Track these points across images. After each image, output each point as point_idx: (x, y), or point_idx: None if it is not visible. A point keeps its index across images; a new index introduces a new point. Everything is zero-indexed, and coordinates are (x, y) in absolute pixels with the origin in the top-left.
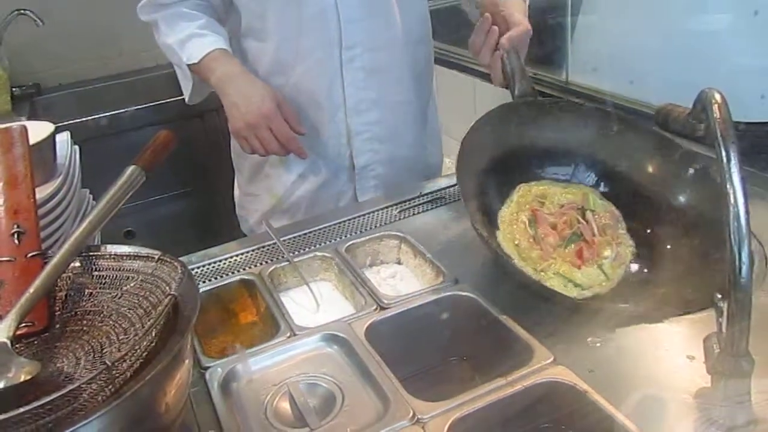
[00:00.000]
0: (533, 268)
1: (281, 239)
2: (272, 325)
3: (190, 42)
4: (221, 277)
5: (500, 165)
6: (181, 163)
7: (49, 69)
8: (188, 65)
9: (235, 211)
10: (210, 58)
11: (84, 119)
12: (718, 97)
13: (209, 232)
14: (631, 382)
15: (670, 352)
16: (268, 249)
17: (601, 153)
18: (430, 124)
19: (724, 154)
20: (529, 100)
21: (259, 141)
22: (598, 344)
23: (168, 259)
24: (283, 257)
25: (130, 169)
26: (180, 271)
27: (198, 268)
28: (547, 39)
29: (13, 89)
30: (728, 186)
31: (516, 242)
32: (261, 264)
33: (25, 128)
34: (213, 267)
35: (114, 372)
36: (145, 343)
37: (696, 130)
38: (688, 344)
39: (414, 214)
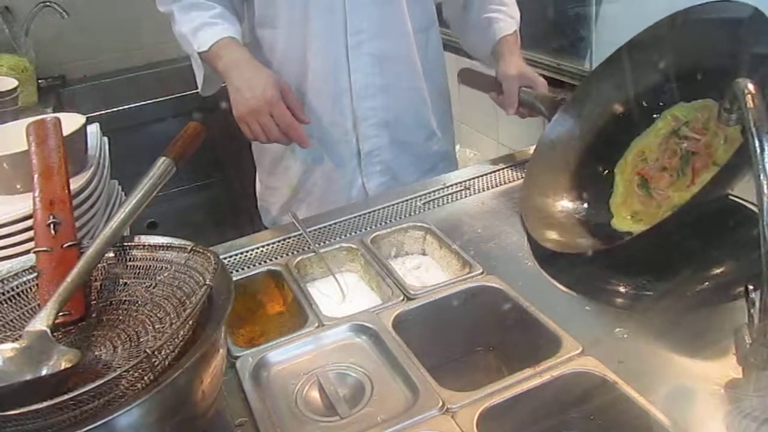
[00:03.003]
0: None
1: (307, 230)
2: (300, 315)
3: (202, 30)
4: (248, 267)
5: (586, 164)
6: (204, 154)
7: (74, 61)
8: (199, 53)
9: (255, 202)
10: (219, 45)
11: (108, 111)
12: (751, 87)
13: (231, 223)
14: (660, 373)
15: (698, 343)
16: (293, 240)
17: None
18: (439, 112)
19: (757, 144)
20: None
21: (261, 127)
22: (626, 335)
23: (201, 250)
24: (309, 248)
25: (161, 160)
26: (213, 262)
27: (225, 258)
28: (571, 29)
29: (39, 81)
30: (762, 177)
31: (632, 215)
32: (287, 255)
33: (58, 120)
34: (239, 258)
35: (154, 360)
36: (182, 333)
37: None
38: (716, 335)
39: (438, 206)
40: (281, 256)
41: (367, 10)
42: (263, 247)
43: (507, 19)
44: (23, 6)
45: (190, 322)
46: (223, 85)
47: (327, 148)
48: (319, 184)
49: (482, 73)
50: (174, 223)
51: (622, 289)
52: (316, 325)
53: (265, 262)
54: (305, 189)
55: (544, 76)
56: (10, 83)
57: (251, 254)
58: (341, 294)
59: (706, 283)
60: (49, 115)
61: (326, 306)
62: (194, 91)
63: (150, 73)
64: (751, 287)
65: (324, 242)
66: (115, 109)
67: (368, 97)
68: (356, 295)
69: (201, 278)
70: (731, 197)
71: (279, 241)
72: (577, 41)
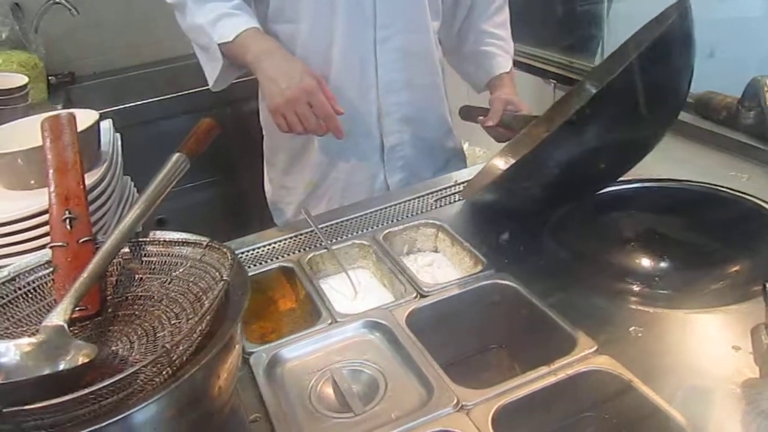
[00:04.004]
0: None
1: (319, 227)
2: (312, 311)
3: (222, 21)
4: (260, 264)
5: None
6: (213, 152)
7: (84, 58)
8: (220, 44)
9: (264, 200)
10: (245, 35)
11: (117, 108)
12: None
13: (240, 220)
14: (676, 372)
15: (714, 342)
16: (305, 237)
17: None
18: (448, 109)
19: None
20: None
21: (298, 117)
22: (640, 334)
23: (216, 246)
24: (321, 245)
25: (175, 156)
26: (230, 258)
27: (236, 255)
28: (582, 26)
29: (49, 78)
30: None
31: None
32: (299, 251)
33: (73, 116)
34: (252, 254)
35: (173, 355)
36: (200, 328)
37: (745, 119)
38: (732, 334)
39: (450, 203)
40: (293, 253)
41: (395, 4)
42: (275, 243)
43: (504, 56)
44: (33, 3)
45: (208, 317)
46: (240, 80)
47: (350, 142)
48: (341, 179)
49: (479, 107)
50: (183, 219)
51: (636, 288)
52: (329, 321)
53: (277, 258)
54: (326, 184)
55: (556, 74)
56: (21, 80)
57: (263, 250)
58: (353, 291)
59: (723, 282)
60: (64, 111)
61: (339, 302)
62: (204, 88)
63: (159, 70)
64: None
65: (336, 239)
66: (124, 106)
67: (393, 92)
68: (368, 292)
69: (217, 274)
70: (748, 197)
71: (291, 238)
72: (588, 39)
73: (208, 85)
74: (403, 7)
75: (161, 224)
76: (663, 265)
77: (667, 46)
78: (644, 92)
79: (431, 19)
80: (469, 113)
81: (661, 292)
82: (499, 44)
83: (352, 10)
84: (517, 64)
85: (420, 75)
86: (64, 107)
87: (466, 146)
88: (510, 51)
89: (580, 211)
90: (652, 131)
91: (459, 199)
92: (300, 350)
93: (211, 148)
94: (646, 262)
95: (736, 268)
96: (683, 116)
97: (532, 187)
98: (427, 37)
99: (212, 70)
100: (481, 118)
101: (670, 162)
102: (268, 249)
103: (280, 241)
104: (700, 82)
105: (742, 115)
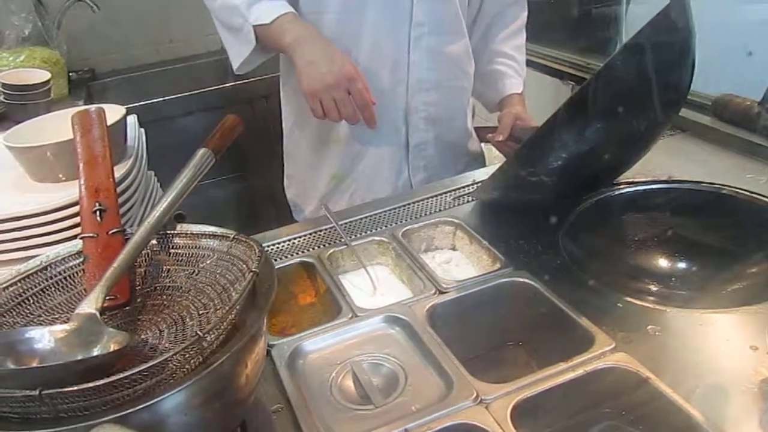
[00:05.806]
0: None
1: (339, 223)
2: (332, 306)
3: (259, 3)
4: (281, 259)
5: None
6: (231, 148)
7: (104, 55)
8: (255, 26)
9: (281, 197)
10: (284, 19)
11: (136, 104)
12: None
13: (258, 216)
14: (693, 370)
15: (731, 341)
16: (325, 232)
17: None
18: (472, 115)
19: None
20: None
21: (335, 103)
22: (658, 333)
23: (243, 239)
24: (341, 241)
25: (201, 151)
26: (257, 250)
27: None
28: (600, 28)
29: (70, 74)
30: None
31: None
32: (319, 247)
33: (102, 110)
34: (273, 249)
35: (204, 343)
36: (230, 318)
37: (764, 121)
38: (749, 334)
39: (468, 201)
40: (313, 248)
41: (430, 4)
42: (295, 239)
43: (517, 78)
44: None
45: (237, 308)
46: (259, 78)
47: (376, 136)
48: (366, 173)
49: (488, 126)
50: (201, 215)
51: (653, 288)
52: (350, 315)
53: (298, 253)
54: (351, 178)
55: (573, 75)
56: (44, 75)
57: (284, 246)
58: (372, 286)
59: (739, 283)
60: (93, 106)
61: (358, 298)
62: (220, 86)
63: (178, 68)
64: None
65: (355, 235)
66: (143, 102)
67: (422, 91)
68: (387, 288)
69: (245, 266)
70: (766, 199)
71: (311, 234)
72: (607, 40)
73: (224, 82)
74: (438, 9)
75: (180, 219)
76: (680, 265)
77: (653, 37)
78: (636, 81)
79: (465, 25)
80: (478, 133)
81: (679, 292)
82: (512, 65)
83: (389, 7)
84: (534, 65)
85: (451, 78)
86: (85, 103)
87: (482, 146)
88: (522, 75)
89: (597, 211)
90: (652, 122)
91: (477, 198)
92: (321, 343)
93: (230, 145)
94: (663, 263)
95: (753, 269)
96: (701, 118)
97: (538, 173)
98: (459, 41)
99: (240, 53)
100: (490, 135)
101: (688, 163)
102: (289, 244)
103: (301, 236)
104: (725, 83)
105: (762, 117)
